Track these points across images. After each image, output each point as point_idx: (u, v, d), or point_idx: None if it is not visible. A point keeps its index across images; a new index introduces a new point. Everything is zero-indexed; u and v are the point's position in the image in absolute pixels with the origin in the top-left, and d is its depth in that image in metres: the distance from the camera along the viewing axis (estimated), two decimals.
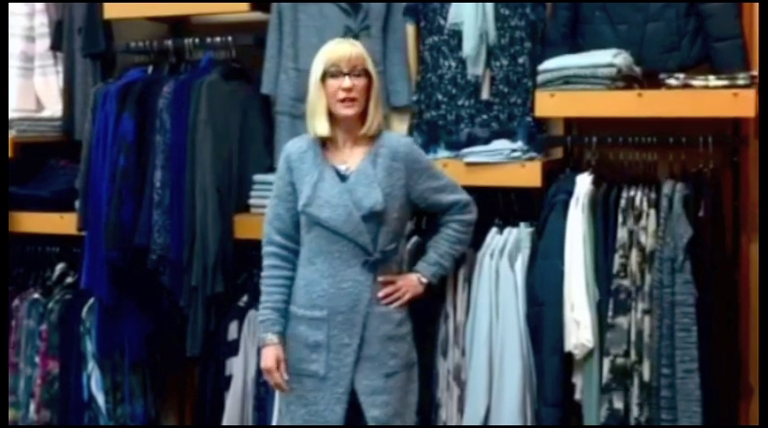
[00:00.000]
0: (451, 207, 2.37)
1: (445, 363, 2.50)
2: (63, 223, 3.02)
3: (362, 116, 2.28)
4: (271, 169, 2.84)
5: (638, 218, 2.33)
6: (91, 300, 2.95)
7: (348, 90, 2.22)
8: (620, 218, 2.34)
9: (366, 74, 2.26)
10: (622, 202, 2.35)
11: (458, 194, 2.39)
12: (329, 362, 2.24)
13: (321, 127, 2.26)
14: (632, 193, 2.36)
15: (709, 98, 2.31)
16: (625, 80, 2.44)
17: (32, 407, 2.97)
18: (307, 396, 2.27)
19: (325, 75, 2.24)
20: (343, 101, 2.23)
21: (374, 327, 2.25)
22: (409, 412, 2.32)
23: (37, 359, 3.00)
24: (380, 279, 2.28)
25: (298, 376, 2.28)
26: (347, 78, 2.22)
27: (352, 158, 2.29)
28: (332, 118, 2.27)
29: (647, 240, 2.30)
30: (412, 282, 2.35)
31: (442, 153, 2.74)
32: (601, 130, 2.53)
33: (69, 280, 3.12)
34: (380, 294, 2.28)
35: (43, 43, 3.24)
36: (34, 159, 3.22)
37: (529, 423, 2.37)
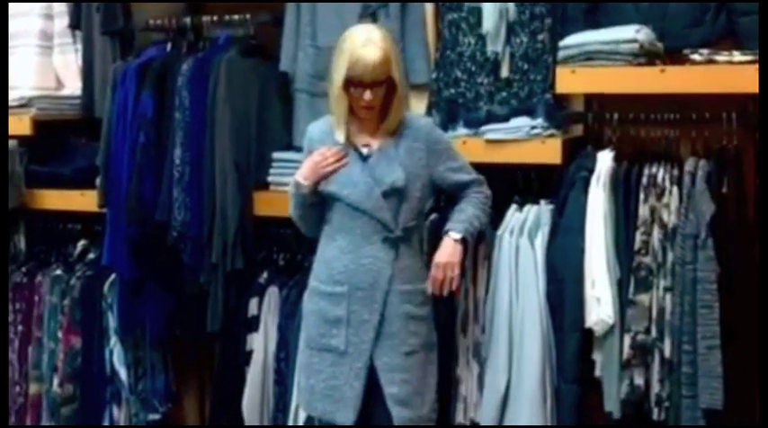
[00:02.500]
0: (469, 185, 2.38)
1: (465, 340, 2.51)
2: (84, 200, 3.05)
3: (383, 111, 2.27)
4: (290, 147, 2.85)
5: (660, 196, 2.31)
6: (112, 277, 2.98)
7: (368, 102, 2.22)
8: (641, 196, 2.33)
9: (390, 80, 2.23)
10: (644, 179, 2.34)
11: (474, 174, 2.39)
12: (349, 338, 2.26)
13: (340, 136, 2.27)
14: (654, 170, 2.35)
15: (734, 74, 2.28)
16: (647, 56, 2.42)
17: (56, 381, 3.01)
18: (326, 370, 2.29)
19: (348, 84, 2.21)
20: (363, 108, 2.24)
21: (395, 305, 2.26)
22: (429, 392, 2.33)
23: (60, 334, 3.04)
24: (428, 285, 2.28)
25: (318, 350, 2.30)
26: (368, 92, 2.20)
27: (374, 140, 2.30)
28: (352, 111, 2.28)
29: (670, 217, 2.29)
30: (447, 250, 2.28)
31: (461, 130, 2.73)
32: (621, 107, 2.51)
33: (91, 256, 3.15)
34: (431, 290, 2.28)
35: (62, 21, 3.24)
36: (54, 137, 3.24)
37: (549, 400, 2.38)
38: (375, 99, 2.22)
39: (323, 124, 2.36)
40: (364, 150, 2.30)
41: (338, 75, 2.21)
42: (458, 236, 2.29)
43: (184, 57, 2.88)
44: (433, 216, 2.57)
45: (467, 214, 2.34)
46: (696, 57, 2.36)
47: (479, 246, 2.51)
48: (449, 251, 2.29)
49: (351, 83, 2.21)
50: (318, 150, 2.29)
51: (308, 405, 2.38)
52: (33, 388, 3.06)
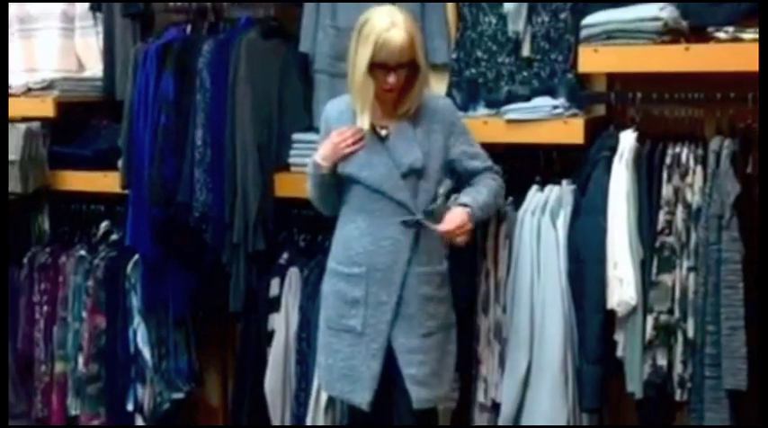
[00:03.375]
0: (484, 171, 2.35)
1: (486, 320, 2.52)
2: (106, 181, 3.07)
3: (402, 93, 2.26)
4: (310, 128, 2.84)
5: (684, 175, 2.29)
6: (135, 257, 3.01)
7: (392, 85, 2.21)
8: (665, 175, 2.31)
9: (414, 63, 2.21)
10: (668, 159, 2.32)
11: (489, 162, 2.37)
12: (367, 319, 2.27)
13: (365, 121, 2.25)
14: (678, 150, 2.32)
15: None
16: (671, 34, 2.39)
17: (81, 360, 3.05)
18: (344, 350, 2.30)
19: (373, 67, 2.20)
20: (385, 90, 2.23)
21: (413, 287, 2.27)
22: (447, 372, 2.35)
23: (84, 314, 3.07)
24: (440, 227, 2.21)
25: (336, 331, 2.32)
26: (392, 74, 2.20)
27: (392, 120, 2.29)
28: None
29: (694, 197, 2.27)
30: (456, 214, 2.23)
31: (482, 111, 2.71)
32: (644, 86, 2.48)
33: (114, 237, 3.17)
34: (442, 229, 2.21)
35: (83, 4, 3.25)
36: (76, 119, 3.26)
37: (570, 381, 2.38)
38: (397, 82, 2.21)
39: (341, 103, 2.36)
40: (382, 131, 2.29)
41: (362, 59, 2.19)
42: (470, 211, 2.23)
43: (205, 39, 2.89)
44: (454, 197, 2.56)
45: (481, 193, 2.29)
46: (721, 35, 2.32)
47: (500, 226, 2.51)
48: (456, 215, 2.22)
49: (374, 65, 2.19)
50: (337, 130, 2.28)
51: (327, 385, 2.41)
52: (59, 367, 3.11)
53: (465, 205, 2.25)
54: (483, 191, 2.30)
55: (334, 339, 2.32)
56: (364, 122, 2.26)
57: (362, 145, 2.26)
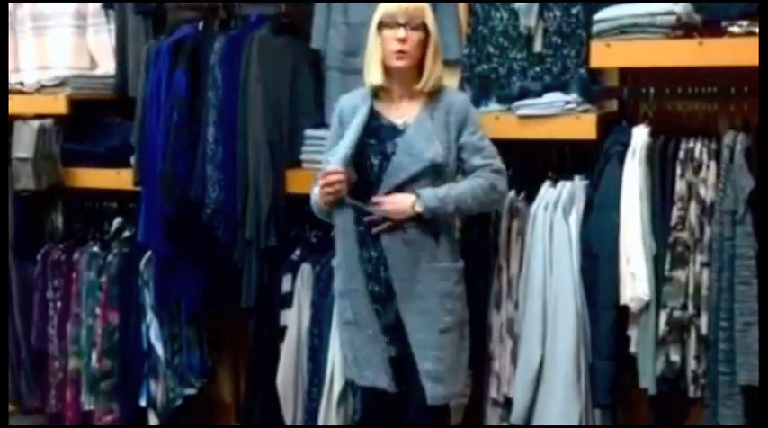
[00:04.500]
0: (484, 167, 2.29)
1: (498, 316, 2.52)
2: (119, 178, 3.08)
3: (419, 70, 2.26)
4: (321, 124, 2.85)
5: (697, 170, 2.28)
6: (148, 254, 3.02)
7: (402, 41, 2.21)
8: (678, 170, 2.30)
9: (424, 27, 2.24)
10: (681, 154, 2.31)
11: (491, 160, 2.30)
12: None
13: (375, 76, 2.27)
14: (691, 145, 2.31)
15: None
16: (684, 28, 2.37)
17: (94, 356, 3.06)
18: (354, 341, 2.31)
19: (382, 25, 2.23)
20: (396, 52, 2.22)
21: (431, 282, 2.26)
22: (461, 369, 2.35)
23: (97, 310, 3.08)
24: (374, 199, 2.22)
25: (347, 324, 2.33)
26: (402, 29, 2.21)
27: (408, 112, 2.29)
28: (388, 71, 2.27)
29: (707, 192, 2.26)
30: (402, 205, 2.22)
31: (494, 106, 2.71)
32: (656, 81, 2.47)
33: (126, 234, 3.18)
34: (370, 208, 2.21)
35: (95, 2, 3.26)
36: (89, 116, 3.27)
37: (582, 376, 2.37)
38: (408, 42, 2.21)
39: (354, 97, 2.36)
40: (398, 121, 2.28)
41: (374, 19, 2.24)
42: (419, 209, 2.21)
43: (217, 36, 2.89)
44: None
45: (452, 191, 2.23)
46: (735, 29, 2.31)
47: (513, 222, 2.50)
48: (402, 208, 2.21)
49: (385, 25, 2.22)
50: (322, 177, 2.25)
51: (359, 377, 2.37)
52: (72, 363, 3.12)
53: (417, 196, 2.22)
54: (456, 187, 2.25)
55: (350, 332, 2.32)
56: (376, 77, 2.26)
57: (340, 185, 2.22)
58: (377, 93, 2.32)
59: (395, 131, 2.28)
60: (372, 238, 2.26)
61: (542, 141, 2.55)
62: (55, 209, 3.31)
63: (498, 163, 2.32)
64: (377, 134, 2.28)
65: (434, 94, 2.30)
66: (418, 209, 2.22)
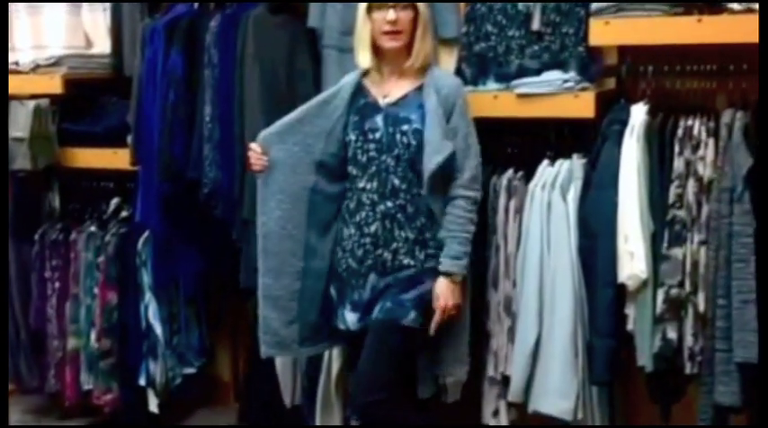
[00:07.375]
0: (461, 175, 2.27)
1: (496, 295, 2.52)
2: (116, 158, 3.07)
3: (409, 48, 2.26)
4: None
5: (695, 148, 2.28)
6: (146, 233, 3.01)
7: (392, 23, 2.21)
8: (676, 148, 2.29)
9: (413, 5, 2.23)
10: (679, 132, 2.30)
11: (473, 161, 2.28)
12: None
13: (364, 59, 2.28)
14: (690, 123, 2.30)
15: None
16: (684, 5, 2.36)
17: (93, 336, 3.07)
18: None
19: (371, 8, 2.21)
20: (387, 33, 2.22)
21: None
22: (461, 346, 2.37)
23: (96, 289, 3.08)
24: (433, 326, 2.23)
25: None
26: (391, 11, 2.21)
27: (395, 91, 2.30)
28: (378, 51, 2.27)
29: (705, 170, 2.26)
30: (447, 291, 2.24)
31: (492, 85, 2.69)
32: (656, 59, 2.46)
33: (124, 214, 3.18)
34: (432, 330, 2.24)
35: None
36: (85, 96, 3.25)
37: (580, 354, 2.38)
38: (399, 23, 2.21)
39: (355, 78, 2.37)
40: (382, 101, 2.29)
41: (363, 1, 2.25)
42: (458, 279, 2.25)
43: (213, 14, 2.87)
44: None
45: (458, 240, 2.25)
46: (734, 6, 2.29)
47: (510, 201, 2.50)
48: (448, 293, 2.24)
49: (375, 7, 2.22)
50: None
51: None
52: (72, 343, 3.12)
53: (446, 273, 2.24)
54: (453, 234, 2.26)
55: None
56: (365, 60, 2.28)
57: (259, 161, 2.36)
58: (366, 70, 2.33)
59: (376, 109, 2.29)
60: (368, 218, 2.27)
61: (541, 120, 2.54)
62: (52, 189, 3.30)
63: (477, 165, 2.29)
64: (361, 111, 2.31)
65: (423, 72, 2.29)
66: (457, 279, 2.25)
